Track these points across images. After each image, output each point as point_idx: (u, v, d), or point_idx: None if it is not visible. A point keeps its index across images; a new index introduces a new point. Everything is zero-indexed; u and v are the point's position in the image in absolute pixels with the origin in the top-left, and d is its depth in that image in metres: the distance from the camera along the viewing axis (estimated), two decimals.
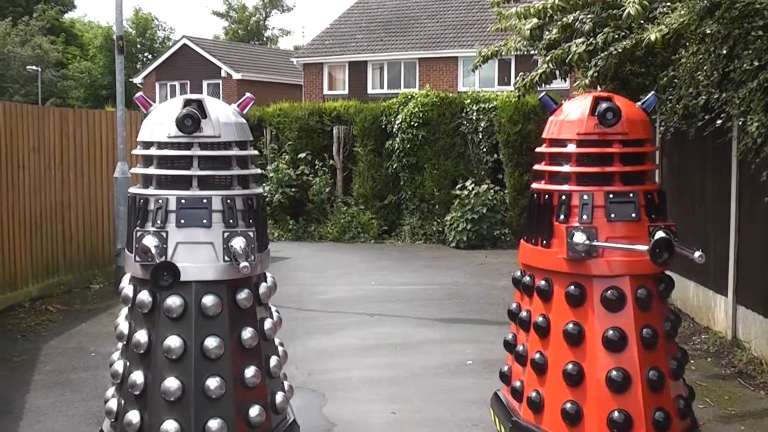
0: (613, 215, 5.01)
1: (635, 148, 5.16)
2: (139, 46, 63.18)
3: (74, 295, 11.64)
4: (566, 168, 5.16)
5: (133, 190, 4.95)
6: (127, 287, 4.94)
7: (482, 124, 17.81)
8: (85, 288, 12.12)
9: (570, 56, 10.00)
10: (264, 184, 19.51)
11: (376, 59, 35.88)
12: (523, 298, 5.54)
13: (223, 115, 4.88)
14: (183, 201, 4.70)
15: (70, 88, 55.81)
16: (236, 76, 41.35)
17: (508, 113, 17.04)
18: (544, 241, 5.20)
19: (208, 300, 4.67)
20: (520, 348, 5.47)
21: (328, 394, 7.16)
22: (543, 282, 5.21)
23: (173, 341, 4.63)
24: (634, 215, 5.03)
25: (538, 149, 5.47)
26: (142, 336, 4.74)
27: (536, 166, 5.46)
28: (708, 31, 7.78)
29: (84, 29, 67.27)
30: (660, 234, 4.78)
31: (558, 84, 13.81)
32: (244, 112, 4.98)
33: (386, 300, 11.48)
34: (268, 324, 5.05)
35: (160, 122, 4.83)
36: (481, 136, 17.89)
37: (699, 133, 8.49)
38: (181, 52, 43.71)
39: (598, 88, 11.37)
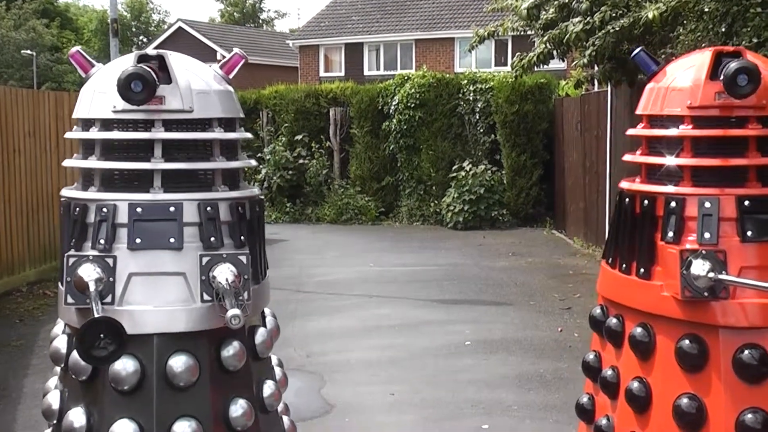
0: (749, 233, 3.28)
1: None
2: (134, 29, 63.02)
3: None
4: (675, 160, 3.39)
5: (65, 192, 3.23)
6: (59, 338, 3.25)
7: (479, 105, 17.76)
8: None
9: (567, 36, 9.96)
10: (261, 167, 19.50)
11: (373, 41, 35.75)
12: (606, 346, 3.63)
13: (197, 79, 3.16)
14: (139, 210, 3.05)
15: (66, 72, 55.64)
16: None
17: (505, 94, 16.99)
18: (642, 269, 3.42)
19: (178, 363, 2.96)
20: (602, 423, 3.58)
21: (326, 375, 7.15)
22: (639, 330, 3.40)
23: (123, 428, 2.90)
24: None
25: (630, 131, 3.69)
26: (77, 418, 2.99)
27: (628, 156, 3.65)
28: (706, 9, 7.75)
29: (79, 13, 67.03)
30: None
31: (555, 64, 13.78)
32: (231, 76, 3.33)
33: (384, 281, 11.47)
34: (268, 389, 3.29)
35: (103, 90, 3.12)
36: (478, 117, 17.85)
37: None
38: (177, 35, 43.58)
39: (596, 68, 11.35)
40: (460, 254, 13.85)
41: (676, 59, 3.70)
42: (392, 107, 18.43)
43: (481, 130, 17.84)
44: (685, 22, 8.62)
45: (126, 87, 2.98)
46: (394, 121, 18.35)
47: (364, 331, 8.78)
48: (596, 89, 14.23)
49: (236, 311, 2.82)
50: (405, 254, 13.98)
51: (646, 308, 3.39)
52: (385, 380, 7.05)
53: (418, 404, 6.45)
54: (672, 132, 3.45)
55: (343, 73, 34.81)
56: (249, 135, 3.50)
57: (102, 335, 2.59)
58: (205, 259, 3.03)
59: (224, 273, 2.99)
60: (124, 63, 3.13)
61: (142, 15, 63.90)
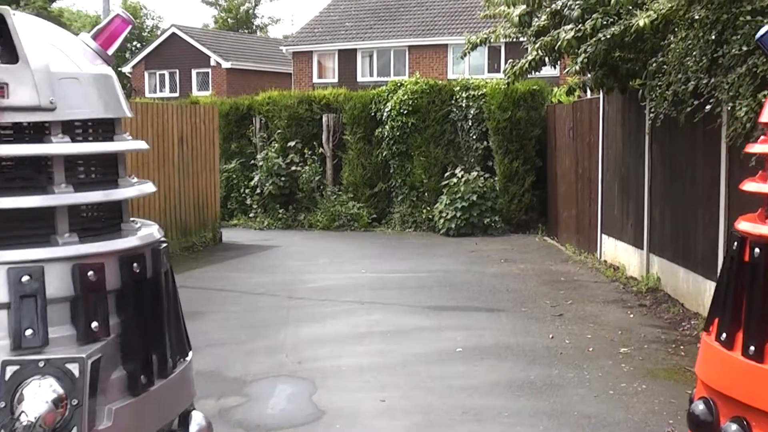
0: None
1: None
2: (127, 34, 62.97)
3: None
4: None
5: None
6: None
7: (472, 112, 17.78)
8: None
9: (559, 43, 9.98)
10: (254, 174, 19.53)
11: (366, 47, 35.75)
12: None
13: (62, 57, 2.07)
14: None
15: None
16: (225, 64, 41.17)
17: (497, 100, 17.02)
18: None
19: None
20: None
21: (318, 381, 7.14)
22: None
23: None
24: None
25: (749, 148, 2.56)
26: None
27: (748, 185, 2.46)
28: (696, 17, 7.78)
29: (73, 18, 66.96)
30: None
31: (548, 71, 13.81)
32: (111, 50, 2.27)
33: (376, 288, 11.46)
34: None
35: None
36: (470, 124, 17.87)
37: (689, 119, 8.49)
38: (170, 40, 43.49)
39: (588, 76, 11.38)
40: (453, 261, 13.86)
41: None
42: (385, 113, 18.44)
43: (474, 137, 17.87)
44: (675, 29, 8.65)
45: None
46: (387, 127, 18.36)
47: (356, 338, 8.77)
48: (588, 96, 14.26)
49: None
50: (397, 261, 13.98)
51: None
52: (376, 386, 7.04)
53: (410, 410, 6.45)
54: None
55: (336, 80, 34.80)
56: (143, 146, 2.32)
57: None
58: (9, 371, 1.82)
59: (36, 398, 1.79)
60: None
61: (135, 20, 63.87)
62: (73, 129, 2.06)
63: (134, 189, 2.23)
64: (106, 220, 2.20)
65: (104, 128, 2.18)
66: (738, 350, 2.33)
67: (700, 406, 2.48)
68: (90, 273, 1.96)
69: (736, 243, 2.43)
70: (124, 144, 2.20)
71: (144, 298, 2.11)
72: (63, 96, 2.00)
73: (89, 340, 1.93)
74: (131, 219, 2.32)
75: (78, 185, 2.03)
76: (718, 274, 2.67)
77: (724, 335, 2.40)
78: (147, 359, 2.08)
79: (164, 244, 2.29)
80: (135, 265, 2.08)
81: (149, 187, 2.30)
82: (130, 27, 2.31)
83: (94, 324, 1.95)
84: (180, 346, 2.31)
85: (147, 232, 2.27)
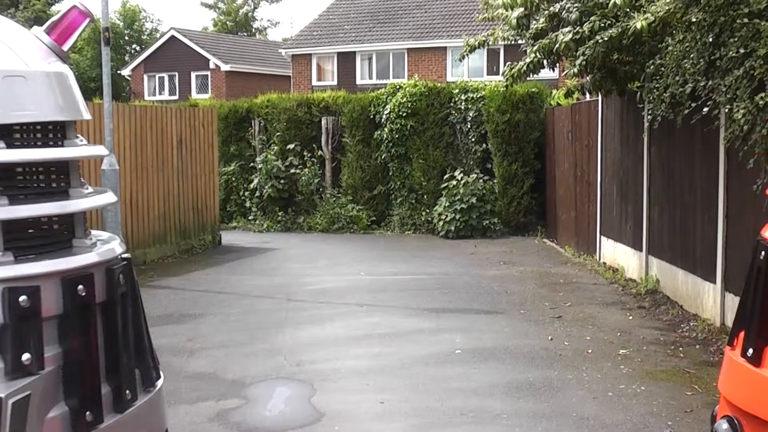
0: None
1: None
2: (126, 38, 62.93)
3: None
4: None
5: None
6: None
7: (471, 114, 17.81)
8: None
9: (557, 45, 10.01)
10: (253, 176, 19.55)
11: (365, 50, 35.78)
12: None
13: (7, 52, 1.83)
14: None
15: None
16: (225, 67, 41.20)
17: (496, 103, 17.04)
18: None
19: None
20: None
21: (316, 384, 7.15)
22: None
23: None
24: None
25: None
26: None
27: None
28: (694, 19, 7.80)
29: None
30: None
31: (546, 73, 13.84)
32: (67, 47, 2.04)
33: (375, 290, 11.47)
34: None
35: None
36: (469, 126, 17.89)
37: (686, 121, 8.51)
38: (170, 43, 43.51)
39: (586, 78, 11.40)
40: (452, 263, 13.87)
41: None
42: (384, 116, 18.46)
43: (473, 139, 17.89)
44: (673, 32, 8.67)
45: None
46: (386, 130, 18.37)
47: (355, 340, 8.78)
48: (587, 98, 14.29)
49: None
50: (396, 263, 13.99)
51: None
52: (375, 388, 7.05)
53: (408, 412, 6.45)
54: None
55: (335, 82, 34.81)
56: (96, 151, 2.09)
57: None
58: None
59: None
60: None
61: (134, 23, 63.84)
62: (12, 133, 1.80)
63: (88, 201, 1.89)
64: (54, 236, 1.91)
65: (54, 132, 1.89)
66: (767, 367, 2.17)
67: (724, 426, 2.33)
68: (22, 298, 1.66)
69: (763, 253, 2.27)
70: (74, 150, 1.87)
71: (91, 325, 1.79)
72: (3, 96, 1.74)
73: (19, 374, 1.63)
74: (89, 233, 2.02)
75: (15, 197, 1.74)
76: (744, 285, 2.51)
77: (750, 351, 2.25)
78: (94, 393, 1.78)
79: (123, 262, 1.96)
80: (80, 287, 1.77)
81: (106, 198, 1.98)
82: (88, 20, 2.10)
83: (26, 356, 1.65)
84: (145, 374, 2.02)
85: (105, 248, 1.94)
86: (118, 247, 2.00)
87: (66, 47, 1.99)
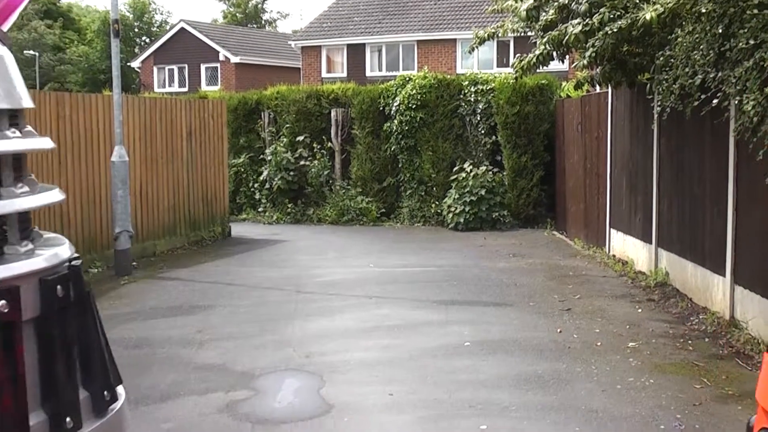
0: None
1: None
2: (136, 30, 63.01)
3: None
4: None
5: None
6: None
7: (480, 106, 17.79)
8: (84, 272, 12.08)
9: (567, 37, 9.98)
10: (263, 168, 19.57)
11: (375, 41, 35.75)
12: None
13: None
14: None
15: (68, 72, 55.72)
16: (234, 59, 41.25)
17: (506, 95, 17.02)
18: None
19: None
20: None
21: (326, 375, 7.16)
22: None
23: None
24: None
25: None
26: None
27: None
28: (703, 10, 7.76)
29: (81, 14, 67.09)
30: None
31: (556, 65, 13.80)
32: (6, 26, 1.89)
33: (384, 282, 11.48)
34: None
35: None
36: (479, 118, 17.87)
37: (696, 112, 8.48)
38: (179, 35, 43.58)
39: (596, 70, 11.37)
40: (461, 255, 13.87)
41: None
42: (393, 108, 18.45)
43: (482, 131, 17.87)
44: (683, 23, 8.64)
45: None
46: (396, 122, 18.37)
47: (364, 332, 8.80)
48: (597, 90, 14.24)
49: None
50: (405, 255, 14.00)
51: None
52: (384, 380, 7.06)
53: (417, 404, 6.46)
54: None
55: (345, 74, 34.81)
56: (39, 143, 1.77)
57: None
58: None
59: None
60: None
61: (144, 15, 63.91)
62: None
63: (23, 200, 1.63)
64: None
65: None
66: None
67: None
68: None
69: None
70: (4, 144, 1.60)
71: (16, 344, 1.55)
72: None
73: None
74: (33, 237, 1.76)
75: None
76: None
77: None
78: (21, 424, 1.56)
79: (66, 272, 1.73)
80: (1, 303, 1.53)
81: (50, 196, 1.70)
82: (27, 2, 1.88)
83: None
84: (96, 398, 1.75)
85: (44, 255, 1.69)
86: (64, 253, 1.74)
87: (5, 27, 1.79)
